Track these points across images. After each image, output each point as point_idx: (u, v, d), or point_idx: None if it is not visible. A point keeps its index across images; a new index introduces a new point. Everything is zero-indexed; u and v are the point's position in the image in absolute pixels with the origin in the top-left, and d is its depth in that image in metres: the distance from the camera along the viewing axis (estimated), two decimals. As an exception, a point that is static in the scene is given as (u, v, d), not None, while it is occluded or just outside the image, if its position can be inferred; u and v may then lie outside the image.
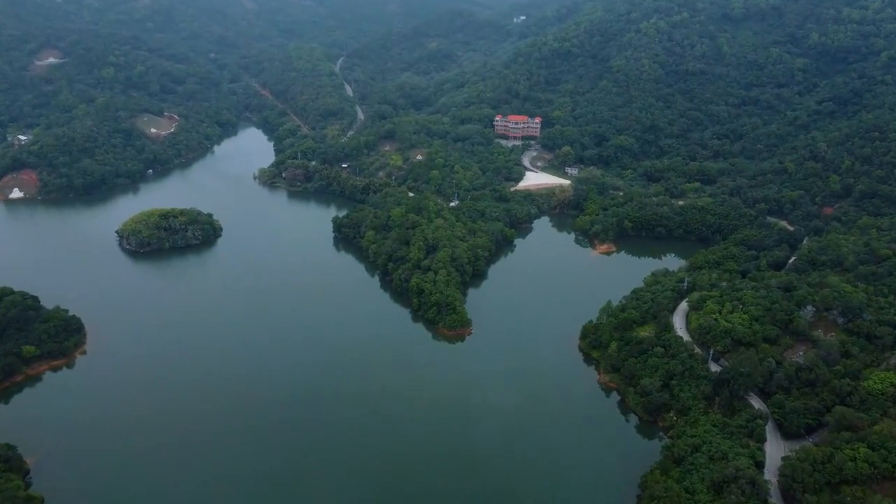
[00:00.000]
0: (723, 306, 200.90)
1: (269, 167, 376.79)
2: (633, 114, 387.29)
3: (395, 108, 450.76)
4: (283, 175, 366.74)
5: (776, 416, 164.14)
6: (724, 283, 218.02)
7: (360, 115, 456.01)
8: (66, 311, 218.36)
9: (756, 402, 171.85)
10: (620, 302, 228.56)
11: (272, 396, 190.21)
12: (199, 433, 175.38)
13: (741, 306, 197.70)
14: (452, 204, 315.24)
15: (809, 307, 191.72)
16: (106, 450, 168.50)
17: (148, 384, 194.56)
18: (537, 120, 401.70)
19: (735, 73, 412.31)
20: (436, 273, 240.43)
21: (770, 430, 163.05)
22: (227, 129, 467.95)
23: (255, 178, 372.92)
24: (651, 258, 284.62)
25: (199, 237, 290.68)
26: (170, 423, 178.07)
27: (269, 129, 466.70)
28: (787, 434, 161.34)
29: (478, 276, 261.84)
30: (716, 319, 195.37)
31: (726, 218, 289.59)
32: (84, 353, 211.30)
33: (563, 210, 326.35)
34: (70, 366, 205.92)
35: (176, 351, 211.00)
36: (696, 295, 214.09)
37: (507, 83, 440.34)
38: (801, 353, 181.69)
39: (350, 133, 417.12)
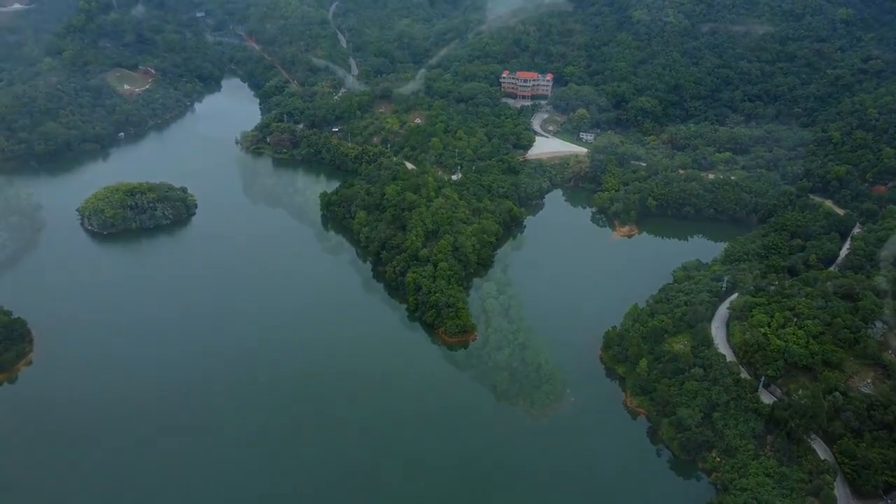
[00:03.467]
0: (772, 317, 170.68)
1: (252, 130, 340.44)
2: (655, 71, 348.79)
3: (393, 61, 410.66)
4: (268, 140, 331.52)
5: (846, 468, 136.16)
6: (771, 287, 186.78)
7: (355, 69, 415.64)
8: (10, 312, 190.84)
9: (818, 446, 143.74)
10: (647, 303, 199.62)
11: (245, 409, 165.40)
12: (163, 455, 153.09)
13: (795, 319, 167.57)
14: (455, 177, 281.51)
15: (878, 323, 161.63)
16: (52, 489, 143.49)
17: (104, 401, 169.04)
18: (548, 77, 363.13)
19: (769, 24, 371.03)
20: (435, 266, 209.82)
21: (837, 485, 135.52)
22: (210, 83, 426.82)
23: (237, 142, 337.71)
24: (678, 240, 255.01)
25: (171, 216, 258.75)
26: (131, 449, 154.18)
27: (255, 83, 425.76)
28: (859, 492, 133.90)
29: (482, 265, 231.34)
30: (765, 335, 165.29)
31: (763, 196, 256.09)
32: (29, 363, 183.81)
33: (579, 183, 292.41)
34: (12, 381, 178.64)
35: (139, 356, 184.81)
36: (739, 300, 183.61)
37: (514, 34, 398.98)
38: (867, 381, 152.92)
39: (343, 90, 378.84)
